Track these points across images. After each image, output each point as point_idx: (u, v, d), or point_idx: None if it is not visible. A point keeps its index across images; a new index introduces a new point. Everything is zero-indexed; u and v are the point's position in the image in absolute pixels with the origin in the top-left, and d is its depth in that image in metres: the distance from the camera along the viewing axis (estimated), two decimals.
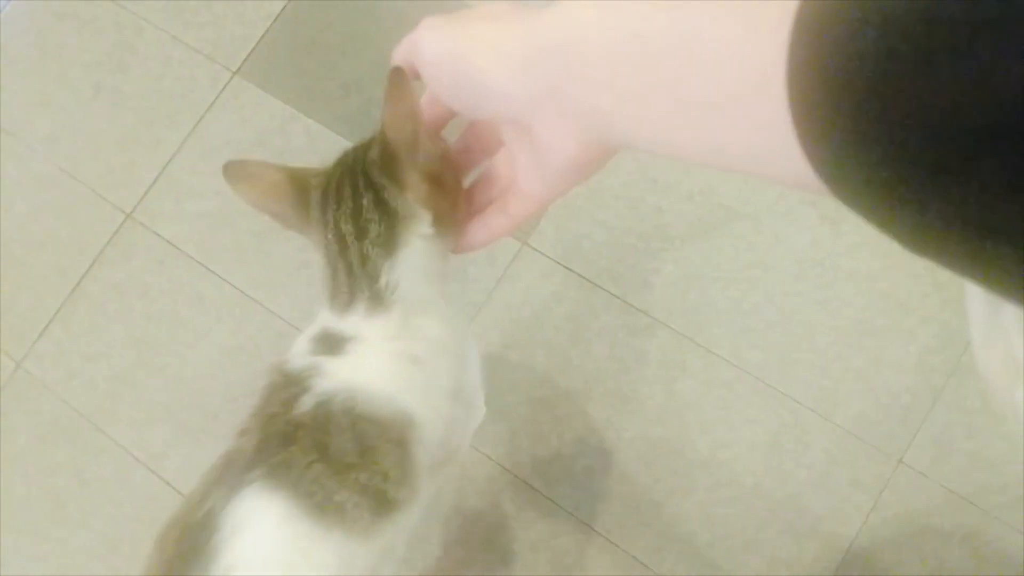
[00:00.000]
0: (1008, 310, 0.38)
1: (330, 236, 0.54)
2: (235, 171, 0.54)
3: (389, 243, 0.53)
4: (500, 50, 0.35)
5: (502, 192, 0.45)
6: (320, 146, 1.10)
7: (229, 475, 0.56)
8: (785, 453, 0.96)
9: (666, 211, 1.03)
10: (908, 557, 0.93)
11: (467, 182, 0.51)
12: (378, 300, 0.54)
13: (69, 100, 1.17)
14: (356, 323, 0.55)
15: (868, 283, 0.98)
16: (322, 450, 0.55)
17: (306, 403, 0.56)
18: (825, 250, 1.00)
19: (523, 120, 0.36)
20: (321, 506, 0.54)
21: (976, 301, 0.41)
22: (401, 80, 0.45)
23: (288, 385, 0.57)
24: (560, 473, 0.99)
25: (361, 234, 0.53)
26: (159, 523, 1.01)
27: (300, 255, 1.07)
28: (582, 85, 0.32)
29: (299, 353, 0.59)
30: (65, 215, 1.13)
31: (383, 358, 0.57)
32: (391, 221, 0.53)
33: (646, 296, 1.01)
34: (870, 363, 0.97)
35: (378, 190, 0.52)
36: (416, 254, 0.54)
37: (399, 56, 0.44)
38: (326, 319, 0.57)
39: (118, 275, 1.10)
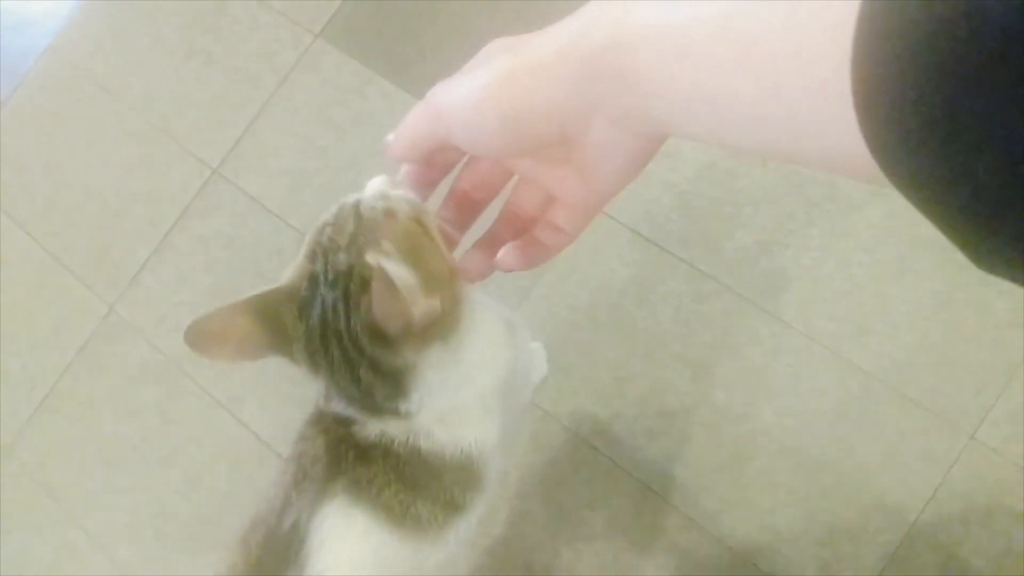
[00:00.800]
0: None
1: (334, 393, 0.54)
2: (197, 335, 0.48)
3: (400, 390, 0.53)
4: (541, 70, 0.34)
5: (529, 221, 0.45)
6: (396, 107, 1.15)
7: (309, 484, 0.58)
8: (853, 424, 0.96)
9: (739, 176, 1.04)
10: (975, 534, 0.92)
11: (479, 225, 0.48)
12: (404, 417, 0.55)
13: (163, 61, 1.26)
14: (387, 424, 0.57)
15: (946, 254, 0.96)
16: (398, 473, 0.58)
17: (365, 431, 0.58)
18: (903, 219, 0.99)
19: (572, 134, 0.35)
20: (399, 518, 0.58)
21: None
22: (388, 283, 0.44)
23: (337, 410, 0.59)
24: (621, 433, 1.01)
25: (368, 395, 0.53)
26: (235, 461, 1.08)
27: None
28: (636, 88, 0.32)
29: None
30: (157, 169, 1.22)
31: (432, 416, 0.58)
32: (396, 376, 0.52)
33: (715, 261, 1.02)
34: (945, 336, 0.96)
35: (374, 360, 0.51)
36: (431, 374, 0.53)
37: (410, 137, 0.41)
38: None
39: (204, 227, 1.18)
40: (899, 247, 0.99)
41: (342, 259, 0.49)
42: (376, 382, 0.52)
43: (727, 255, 1.02)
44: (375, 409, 0.55)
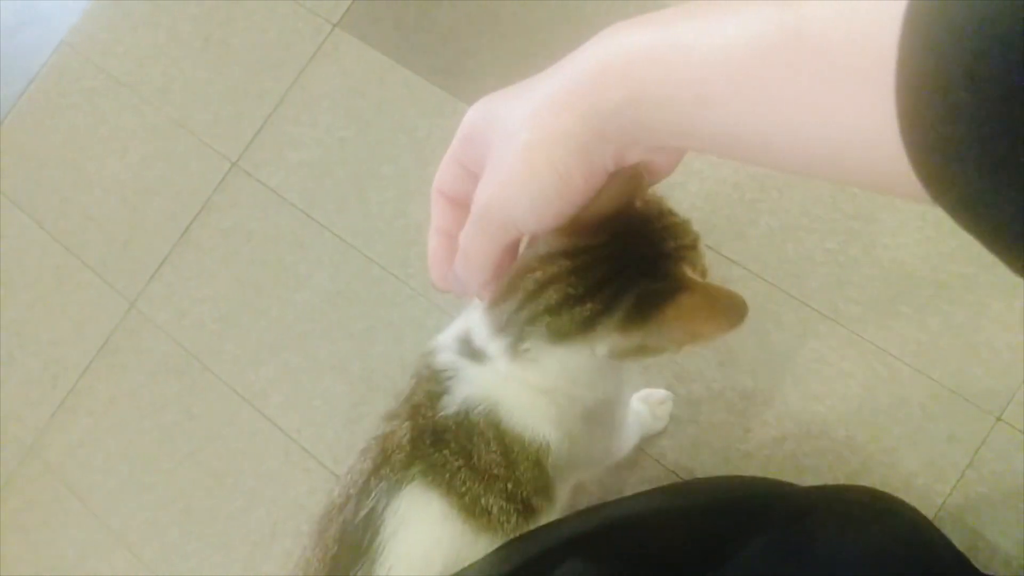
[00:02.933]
0: None
1: (536, 285, 0.52)
2: None
3: (578, 337, 0.53)
4: (567, 138, 0.38)
5: None
6: (417, 96, 1.20)
7: (389, 471, 0.60)
8: (880, 407, 1.02)
9: None
10: (1003, 515, 0.98)
11: None
12: (521, 356, 0.56)
13: (180, 52, 1.32)
14: (498, 354, 0.57)
15: (971, 237, 1.02)
16: (467, 457, 0.60)
17: (449, 405, 0.61)
18: (928, 202, 1.04)
19: (618, 164, 0.40)
20: (470, 507, 0.60)
21: None
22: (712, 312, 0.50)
23: (431, 379, 0.62)
24: None
25: (562, 316, 0.52)
26: (261, 457, 1.14)
27: (397, 204, 1.18)
28: (662, 134, 0.36)
29: (445, 346, 0.63)
30: (175, 163, 1.28)
31: (521, 388, 0.60)
32: (585, 328, 0.53)
33: (740, 247, 1.08)
34: (971, 318, 1.02)
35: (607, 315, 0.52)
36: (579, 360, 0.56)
37: (482, 262, 0.46)
38: (475, 322, 0.59)
39: (225, 221, 1.24)
40: (924, 230, 1.04)
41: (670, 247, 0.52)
42: (576, 323, 0.52)
43: (752, 241, 1.08)
44: (523, 323, 0.54)
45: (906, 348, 1.03)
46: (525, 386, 0.59)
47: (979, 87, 0.22)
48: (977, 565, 0.96)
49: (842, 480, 1.02)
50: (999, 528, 0.98)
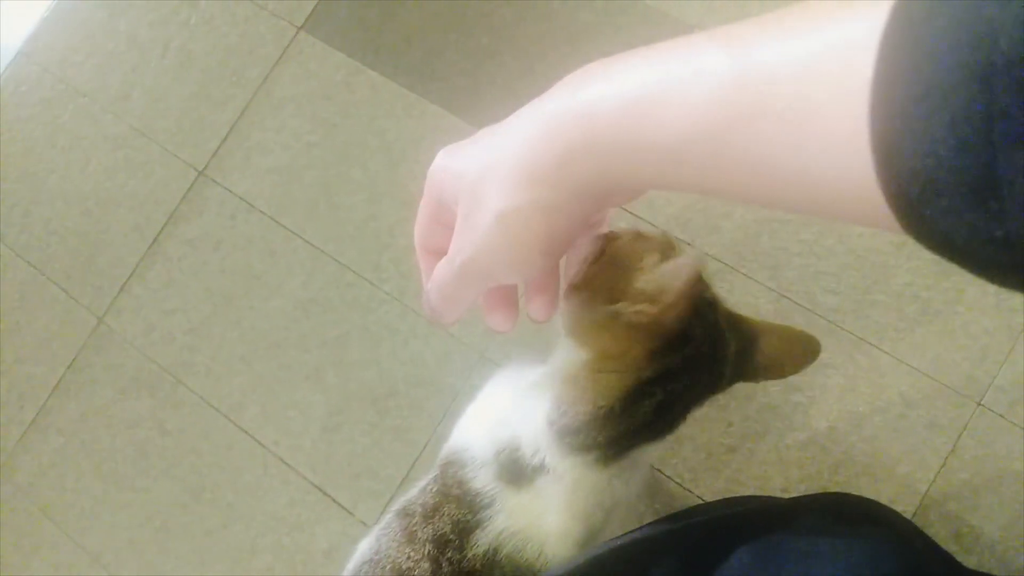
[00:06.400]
0: None
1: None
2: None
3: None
4: (547, 205, 0.39)
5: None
6: (384, 98, 1.20)
7: None
8: (860, 396, 1.03)
9: None
10: (987, 500, 0.99)
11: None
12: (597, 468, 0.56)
13: (139, 60, 1.31)
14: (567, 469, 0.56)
15: None
16: None
17: (479, 542, 0.57)
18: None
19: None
20: None
21: None
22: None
23: (462, 503, 0.58)
24: None
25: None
26: (238, 470, 1.13)
27: (368, 207, 1.18)
28: (640, 189, 0.40)
29: (481, 460, 0.59)
30: (139, 174, 1.27)
31: (559, 516, 0.57)
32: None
33: (715, 240, 1.08)
34: (948, 304, 1.03)
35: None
36: None
37: (462, 305, 0.48)
38: (530, 436, 0.57)
39: (192, 231, 1.23)
40: None
41: None
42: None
43: (727, 233, 1.08)
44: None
45: (884, 336, 1.04)
46: (565, 512, 0.57)
47: (958, 154, 0.23)
48: (962, 551, 0.98)
49: (825, 472, 1.02)
50: (983, 513, 0.99)
